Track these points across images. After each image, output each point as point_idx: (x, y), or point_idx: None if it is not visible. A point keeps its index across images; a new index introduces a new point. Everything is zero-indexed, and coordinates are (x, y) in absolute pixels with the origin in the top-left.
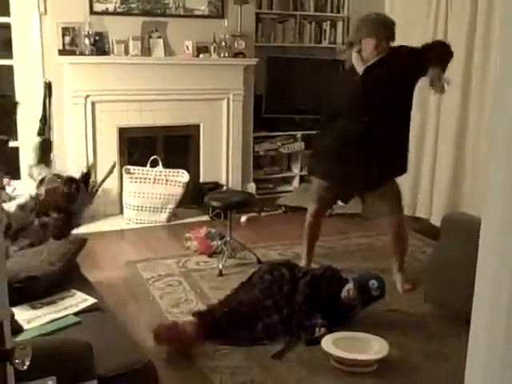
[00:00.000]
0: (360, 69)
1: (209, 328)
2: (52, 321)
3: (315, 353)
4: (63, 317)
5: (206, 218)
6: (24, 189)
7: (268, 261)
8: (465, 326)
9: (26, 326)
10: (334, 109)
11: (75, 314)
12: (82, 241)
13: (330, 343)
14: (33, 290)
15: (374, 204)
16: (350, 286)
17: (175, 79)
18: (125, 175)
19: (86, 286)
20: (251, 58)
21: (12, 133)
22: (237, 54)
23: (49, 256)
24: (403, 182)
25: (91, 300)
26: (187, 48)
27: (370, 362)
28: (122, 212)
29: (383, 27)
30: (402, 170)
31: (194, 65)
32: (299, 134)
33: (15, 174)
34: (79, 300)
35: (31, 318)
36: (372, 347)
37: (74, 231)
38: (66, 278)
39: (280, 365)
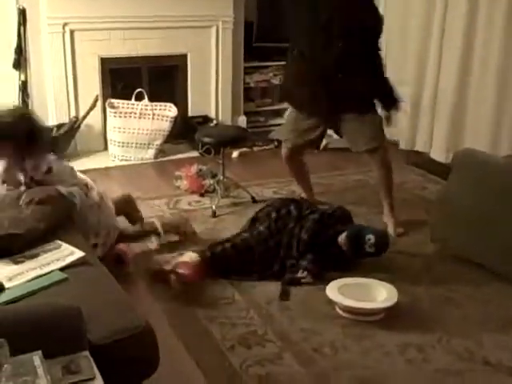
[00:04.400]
0: None
1: (209, 263)
2: (36, 277)
3: (319, 300)
4: (48, 273)
5: (195, 153)
6: None
7: (279, 198)
8: (473, 270)
9: (7, 285)
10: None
11: (61, 270)
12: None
13: (335, 290)
14: (14, 247)
15: (348, 138)
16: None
17: (161, 5)
18: (108, 109)
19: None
20: None
21: None
22: None
23: (34, 211)
24: (401, 113)
25: (79, 253)
26: None
27: (379, 311)
28: (106, 148)
29: None
30: (363, 105)
31: None
32: None
33: None
34: (65, 253)
35: (13, 275)
36: (380, 294)
37: None
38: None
39: (282, 313)
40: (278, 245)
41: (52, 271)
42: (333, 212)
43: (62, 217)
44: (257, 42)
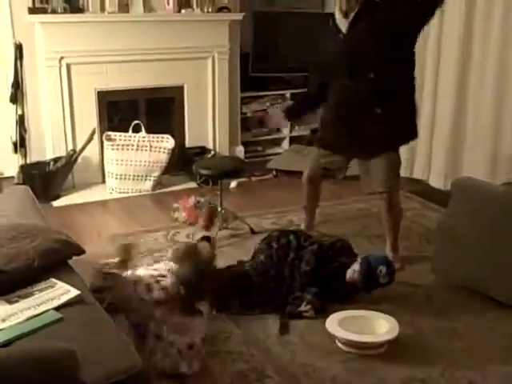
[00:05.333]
0: (343, 27)
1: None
2: (30, 318)
3: (319, 334)
4: (43, 313)
5: (193, 184)
6: None
7: (278, 229)
8: (474, 299)
9: (0, 325)
10: (322, 73)
11: (56, 309)
12: (78, 248)
13: (335, 324)
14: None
15: (364, 174)
16: (356, 266)
17: (156, 37)
18: (106, 142)
19: (67, 273)
20: (236, 12)
21: None
22: (221, 9)
23: (31, 249)
24: None
25: (74, 291)
26: (168, 3)
27: (380, 344)
28: (104, 181)
29: None
30: (410, 135)
31: (176, 21)
32: (288, 93)
33: None
34: (61, 291)
35: (7, 316)
36: (381, 327)
37: None
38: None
39: (282, 349)
40: (278, 276)
41: (47, 311)
42: (332, 244)
43: (58, 255)
44: (253, 71)
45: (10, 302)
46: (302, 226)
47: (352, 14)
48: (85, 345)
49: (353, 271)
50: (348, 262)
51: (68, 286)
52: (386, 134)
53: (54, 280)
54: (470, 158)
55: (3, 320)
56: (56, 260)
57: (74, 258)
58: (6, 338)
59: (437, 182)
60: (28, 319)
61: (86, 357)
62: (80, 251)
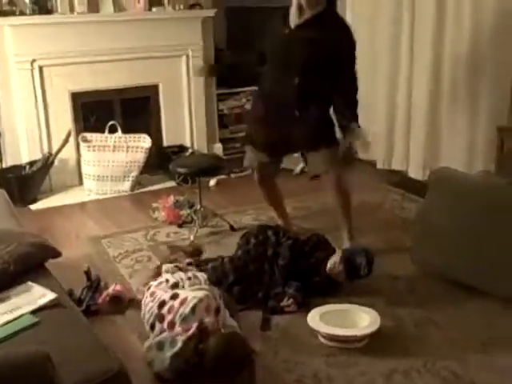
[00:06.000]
0: (292, 23)
1: None
2: (6, 323)
3: (301, 329)
4: (19, 317)
5: (172, 183)
6: None
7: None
8: (454, 289)
9: None
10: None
11: (33, 313)
12: (54, 251)
13: (317, 318)
14: None
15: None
16: (336, 258)
17: (128, 37)
18: (82, 143)
19: (44, 276)
20: (208, 8)
21: None
22: (193, 6)
23: (6, 254)
24: (376, 132)
25: (51, 295)
26: (138, 1)
27: (362, 337)
28: (81, 183)
29: None
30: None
31: (147, 20)
32: None
33: None
34: (37, 295)
35: None
36: (362, 320)
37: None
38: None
39: (264, 344)
40: (258, 272)
41: (23, 315)
42: (307, 239)
43: (34, 259)
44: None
45: None
46: (279, 222)
47: (307, 16)
48: (61, 348)
49: (333, 263)
50: (325, 256)
51: (45, 290)
52: (304, 136)
53: (30, 284)
54: (448, 147)
55: None
56: (32, 264)
57: (52, 261)
58: None
59: (416, 173)
60: (4, 324)
61: (63, 360)
62: (56, 254)
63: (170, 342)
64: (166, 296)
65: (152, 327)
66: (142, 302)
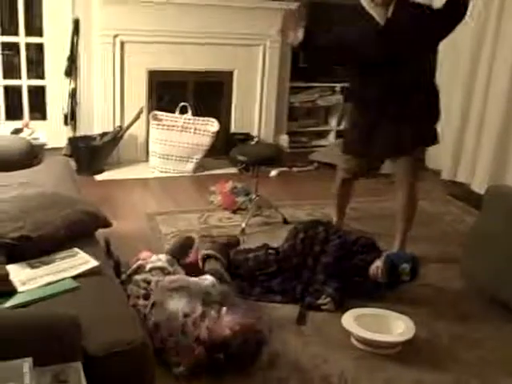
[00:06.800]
0: (380, 18)
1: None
2: (48, 284)
3: (335, 329)
4: (61, 280)
5: (234, 170)
6: (47, 129)
7: (311, 219)
8: (498, 309)
9: (20, 288)
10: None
11: (74, 278)
12: (105, 221)
13: (351, 320)
14: (25, 250)
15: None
16: (379, 263)
17: (209, 21)
18: (152, 121)
19: (91, 244)
20: (291, 1)
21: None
22: None
23: (59, 218)
24: (445, 142)
25: (93, 262)
26: None
27: (394, 344)
28: (147, 160)
29: None
30: (428, 138)
31: (231, 6)
32: (338, 86)
33: (41, 114)
34: (81, 261)
35: (27, 279)
36: (397, 327)
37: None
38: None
39: (297, 337)
40: (300, 266)
41: (64, 279)
42: (356, 240)
43: (84, 227)
44: (304, 62)
45: (32, 267)
46: (334, 220)
47: (391, 8)
48: (94, 314)
49: (376, 267)
50: (371, 259)
51: (88, 257)
52: (399, 136)
53: (76, 250)
54: None
55: (23, 283)
56: (82, 231)
57: (104, 230)
58: (22, 300)
59: (479, 187)
60: (46, 285)
61: (93, 326)
62: (107, 224)
63: None
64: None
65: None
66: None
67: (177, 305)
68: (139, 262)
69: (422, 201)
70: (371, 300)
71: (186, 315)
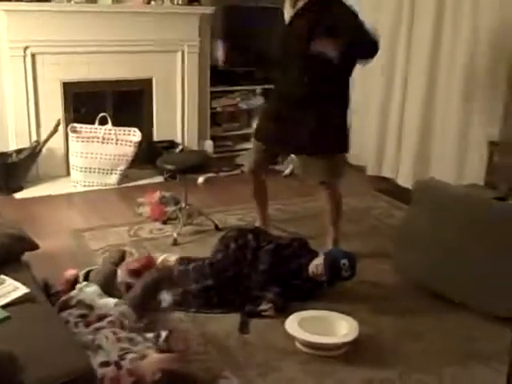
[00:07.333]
0: (287, 16)
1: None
2: None
3: (279, 335)
4: None
5: (160, 179)
6: None
7: (237, 227)
8: (435, 301)
9: None
10: (274, 62)
11: (4, 307)
12: (32, 244)
13: (295, 325)
14: None
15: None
16: (319, 261)
17: (124, 29)
18: (71, 134)
19: (18, 269)
20: (207, 5)
21: None
22: (191, 2)
23: None
24: (367, 139)
25: (23, 289)
26: None
27: (340, 345)
28: (68, 174)
29: None
30: (339, 146)
31: (145, 13)
32: (259, 88)
33: None
34: (9, 289)
35: None
36: (341, 328)
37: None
38: None
39: (240, 348)
40: (237, 276)
41: None
42: (288, 243)
43: (9, 251)
44: (223, 66)
45: None
46: (257, 223)
47: (299, 6)
48: (30, 345)
49: (315, 265)
50: (306, 261)
51: (17, 283)
52: (316, 137)
53: (3, 277)
54: (438, 157)
55: None
56: (7, 256)
57: (29, 253)
58: None
59: (405, 181)
60: None
61: (31, 357)
62: (34, 247)
63: None
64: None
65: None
66: None
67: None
68: (63, 298)
69: (349, 197)
70: (310, 302)
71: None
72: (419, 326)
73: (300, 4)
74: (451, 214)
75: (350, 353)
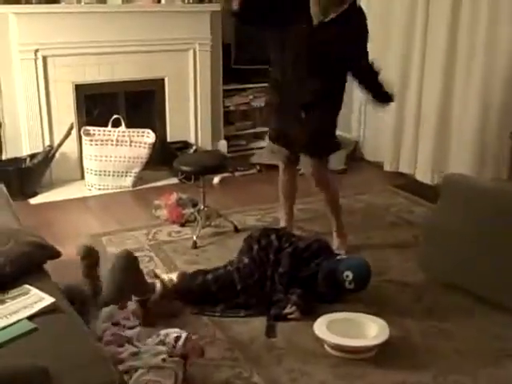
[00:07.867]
0: (316, 19)
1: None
2: (2, 328)
3: (307, 338)
4: (15, 322)
5: (175, 180)
6: None
7: (262, 227)
8: (465, 298)
9: None
10: (278, 59)
11: (30, 318)
12: (54, 252)
13: (323, 327)
14: None
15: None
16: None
17: (135, 29)
18: (84, 137)
19: (42, 278)
20: (218, 2)
21: None
22: (202, 0)
23: (2, 254)
24: (385, 134)
25: (48, 299)
26: None
27: (370, 348)
28: (82, 177)
29: None
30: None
31: (155, 12)
32: None
33: None
34: (34, 299)
35: None
36: (370, 329)
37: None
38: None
39: (269, 352)
40: (262, 278)
41: (19, 321)
42: (308, 245)
43: (31, 260)
44: (235, 64)
45: None
46: (282, 223)
47: (332, 15)
48: (59, 357)
49: (320, 277)
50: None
51: (42, 293)
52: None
53: (27, 286)
54: (457, 151)
55: None
56: (29, 265)
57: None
58: None
59: (423, 176)
60: (0, 330)
61: (61, 370)
62: (56, 254)
63: None
64: None
65: None
66: None
67: None
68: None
69: (367, 194)
70: (337, 302)
71: None
72: (450, 325)
73: (330, 15)
74: (482, 208)
75: (380, 355)
